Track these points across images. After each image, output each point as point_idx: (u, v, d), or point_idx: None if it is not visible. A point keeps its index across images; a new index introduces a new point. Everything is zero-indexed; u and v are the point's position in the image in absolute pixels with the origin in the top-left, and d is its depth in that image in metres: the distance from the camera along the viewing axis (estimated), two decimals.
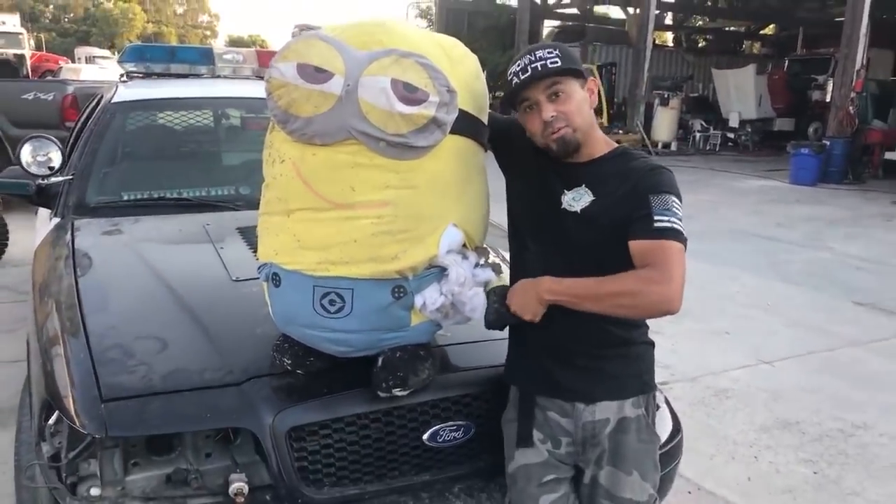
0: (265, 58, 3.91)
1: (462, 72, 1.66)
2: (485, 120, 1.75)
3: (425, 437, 1.78)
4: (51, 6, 57.84)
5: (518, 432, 1.75)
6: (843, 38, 13.09)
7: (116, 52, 41.85)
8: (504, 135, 1.79)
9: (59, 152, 2.74)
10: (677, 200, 1.55)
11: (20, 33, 21.39)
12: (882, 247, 7.77)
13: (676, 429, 2.16)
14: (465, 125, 1.63)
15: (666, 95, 17.67)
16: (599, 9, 29.14)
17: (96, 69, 22.80)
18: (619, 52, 22.44)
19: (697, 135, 18.31)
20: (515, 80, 1.60)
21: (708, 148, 18.11)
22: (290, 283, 1.63)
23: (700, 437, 3.29)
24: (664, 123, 17.45)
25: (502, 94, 1.79)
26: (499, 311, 1.64)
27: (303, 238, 1.60)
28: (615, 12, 29.00)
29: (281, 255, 1.64)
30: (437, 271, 1.65)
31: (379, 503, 1.73)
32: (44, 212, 3.16)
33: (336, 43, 1.54)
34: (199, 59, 3.80)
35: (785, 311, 5.32)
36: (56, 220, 2.78)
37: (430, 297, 1.65)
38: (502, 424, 1.82)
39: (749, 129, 18.34)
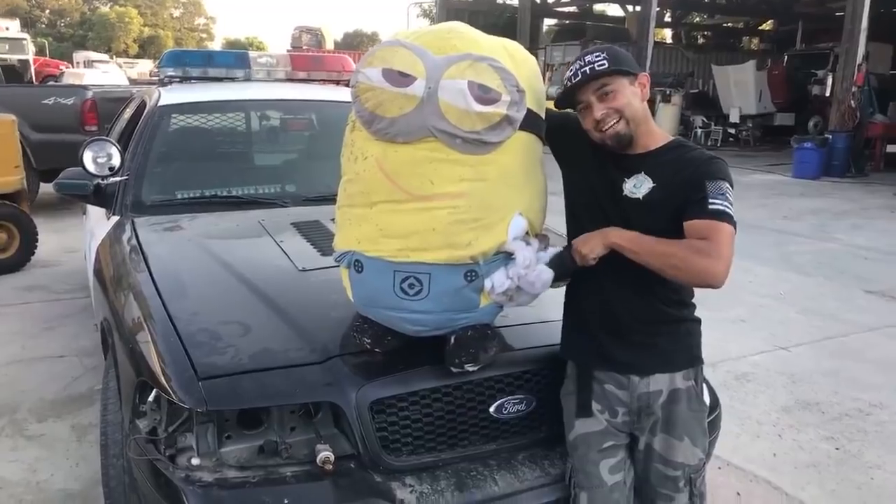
0: (298, 61, 4.06)
1: (525, 72, 1.80)
2: (543, 116, 1.90)
3: (492, 409, 1.93)
4: (47, 11, 57.91)
5: (577, 403, 1.91)
6: (844, 33, 13.26)
7: (115, 56, 42.01)
8: (560, 128, 1.93)
9: (119, 154, 2.88)
10: (730, 188, 1.70)
11: (24, 38, 21.45)
12: (888, 237, 7.93)
13: (714, 404, 2.31)
14: (529, 121, 1.78)
15: (668, 92, 17.84)
16: (598, 6, 29.34)
17: (98, 73, 22.93)
18: None
19: (699, 131, 18.45)
20: (568, 83, 1.76)
21: (709, 143, 18.25)
22: (373, 268, 1.78)
23: (725, 418, 3.38)
24: (666, 119, 17.58)
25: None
26: (561, 256, 1.79)
27: (385, 227, 1.75)
28: (613, 9, 29.23)
29: (364, 244, 1.79)
30: (503, 257, 1.80)
31: (452, 469, 1.88)
32: (96, 212, 3.31)
33: (416, 48, 1.70)
34: (235, 63, 3.94)
35: (798, 299, 5.48)
36: (115, 218, 2.93)
37: (497, 281, 1.80)
38: (561, 397, 1.97)
39: (750, 125, 18.52)
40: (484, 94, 1.65)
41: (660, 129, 1.84)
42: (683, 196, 1.70)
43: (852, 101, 13.11)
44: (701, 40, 31.34)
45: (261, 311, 2.07)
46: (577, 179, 1.91)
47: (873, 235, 8.01)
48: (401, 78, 1.66)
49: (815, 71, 18.91)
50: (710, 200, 1.66)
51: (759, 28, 30.25)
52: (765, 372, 4.09)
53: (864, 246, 7.49)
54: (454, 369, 1.83)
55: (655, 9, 16.63)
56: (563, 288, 1.96)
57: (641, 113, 1.77)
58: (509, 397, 1.95)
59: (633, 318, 1.82)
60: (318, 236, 2.53)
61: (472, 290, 1.79)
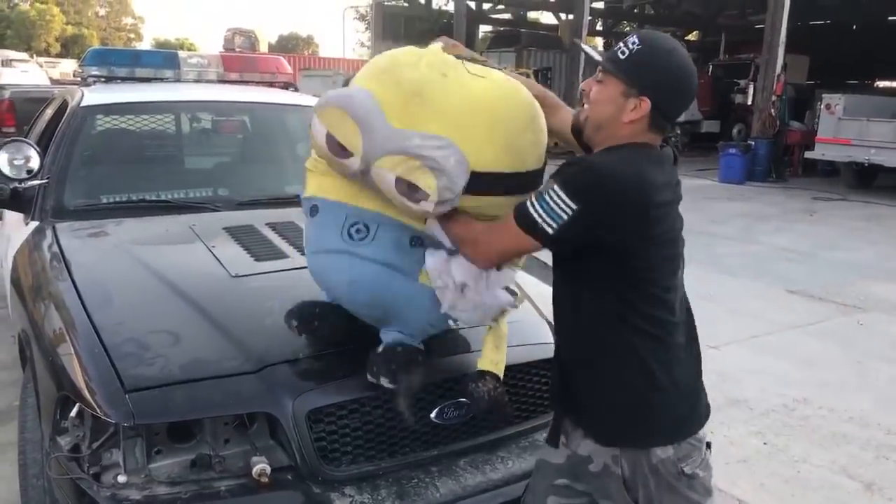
0: (231, 62, 3.96)
1: (503, 130, 1.64)
2: (537, 165, 1.73)
3: (432, 415, 1.91)
4: None
5: (550, 429, 1.74)
6: (764, 45, 13.86)
7: (35, 56, 40.11)
8: None
9: (38, 156, 2.73)
10: (564, 195, 1.41)
11: None
12: (807, 239, 8.31)
13: None
14: (492, 185, 1.65)
15: None
16: (532, 14, 29.75)
17: (17, 73, 21.84)
18: (553, 58, 23.02)
19: None
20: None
21: None
22: (327, 210, 1.81)
23: None
24: None
25: None
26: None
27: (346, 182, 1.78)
28: (547, 17, 29.63)
29: (323, 190, 1.82)
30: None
31: (392, 478, 1.84)
32: (13, 217, 3.13)
33: (365, 115, 1.61)
34: (164, 64, 3.86)
35: (726, 300, 5.66)
36: (34, 223, 2.78)
37: (431, 259, 1.74)
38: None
39: (678, 131, 19.08)
40: (411, 192, 1.61)
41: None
42: None
43: (772, 110, 13.70)
44: None
45: (192, 319, 2.00)
46: None
47: (794, 237, 8.38)
48: (339, 149, 1.66)
49: (737, 80, 19.66)
50: (532, 197, 1.48)
51: (685, 38, 31.30)
52: None
53: (785, 248, 7.82)
54: (369, 377, 1.78)
55: (587, 18, 17.02)
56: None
57: (604, 119, 1.53)
58: (450, 402, 1.93)
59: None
60: (252, 241, 2.46)
61: (414, 259, 1.76)
